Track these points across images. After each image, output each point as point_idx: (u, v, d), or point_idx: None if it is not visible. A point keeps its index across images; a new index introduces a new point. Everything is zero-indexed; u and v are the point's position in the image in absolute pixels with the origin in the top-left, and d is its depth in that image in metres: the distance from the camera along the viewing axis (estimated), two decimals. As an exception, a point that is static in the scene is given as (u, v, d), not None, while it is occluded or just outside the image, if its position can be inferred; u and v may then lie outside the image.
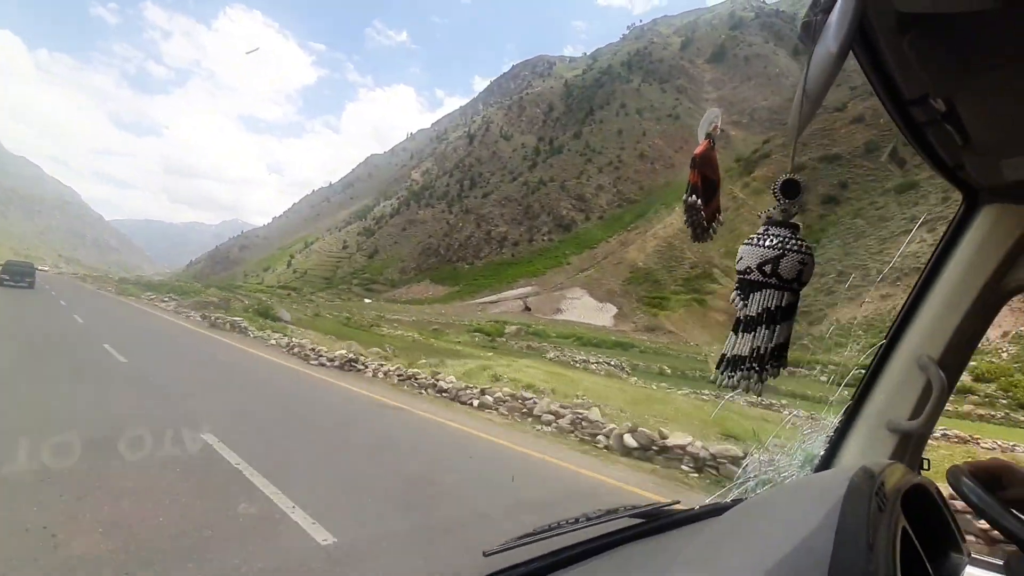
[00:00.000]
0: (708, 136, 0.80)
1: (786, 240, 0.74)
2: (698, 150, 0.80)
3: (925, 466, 1.32)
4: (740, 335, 0.77)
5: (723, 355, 0.79)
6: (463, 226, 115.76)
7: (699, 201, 0.82)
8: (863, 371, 1.39)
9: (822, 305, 47.94)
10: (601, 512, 1.07)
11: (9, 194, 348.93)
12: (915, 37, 0.65)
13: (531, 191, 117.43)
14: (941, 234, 1.23)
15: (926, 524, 0.98)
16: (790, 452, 1.97)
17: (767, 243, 0.75)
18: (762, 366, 0.76)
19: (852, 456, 1.32)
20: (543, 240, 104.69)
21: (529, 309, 70.60)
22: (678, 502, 1.21)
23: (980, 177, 1.06)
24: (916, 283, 1.27)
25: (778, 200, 0.75)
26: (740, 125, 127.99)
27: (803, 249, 0.73)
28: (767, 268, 0.74)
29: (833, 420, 1.47)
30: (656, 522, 1.09)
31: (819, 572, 0.51)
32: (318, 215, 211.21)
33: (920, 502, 0.99)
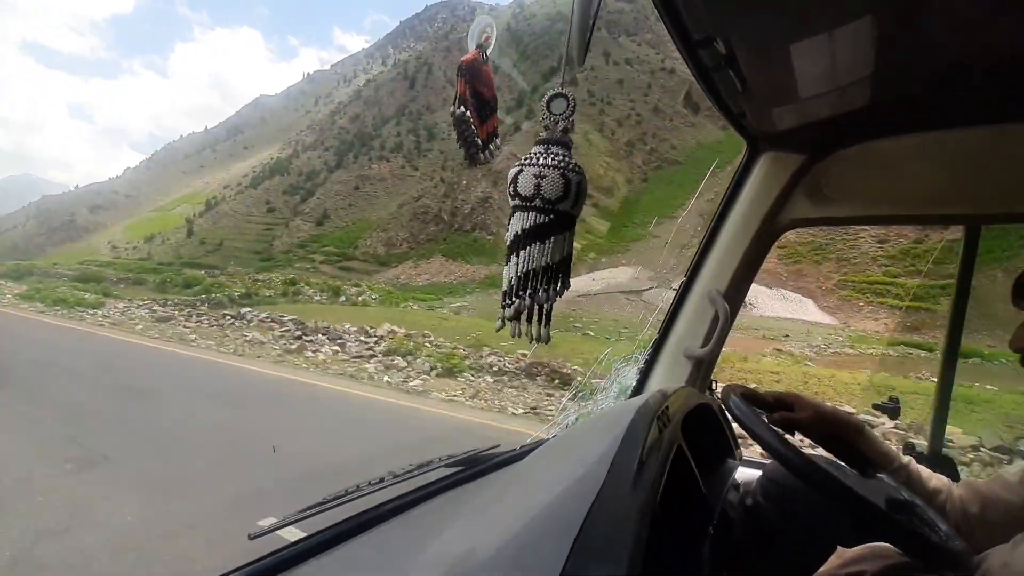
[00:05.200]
0: (479, 47, 0.74)
1: (531, 157, 0.67)
2: (466, 57, 0.74)
3: (713, 387, 1.46)
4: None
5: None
6: (470, 185, 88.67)
7: (468, 114, 0.74)
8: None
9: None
10: (411, 467, 0.99)
11: None
12: None
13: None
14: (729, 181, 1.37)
15: (709, 437, 1.13)
16: (606, 385, 1.99)
17: (516, 164, 0.68)
18: (513, 299, 0.67)
19: (656, 384, 1.43)
20: (584, 205, 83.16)
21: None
22: (498, 446, 1.16)
23: (758, 125, 1.12)
24: (708, 227, 1.40)
25: (543, 117, 0.68)
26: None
27: (541, 163, 0.65)
28: (511, 189, 0.67)
29: (644, 352, 1.56)
30: (472, 469, 1.03)
31: (586, 508, 0.51)
32: (201, 167, 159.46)
33: (705, 419, 1.11)
